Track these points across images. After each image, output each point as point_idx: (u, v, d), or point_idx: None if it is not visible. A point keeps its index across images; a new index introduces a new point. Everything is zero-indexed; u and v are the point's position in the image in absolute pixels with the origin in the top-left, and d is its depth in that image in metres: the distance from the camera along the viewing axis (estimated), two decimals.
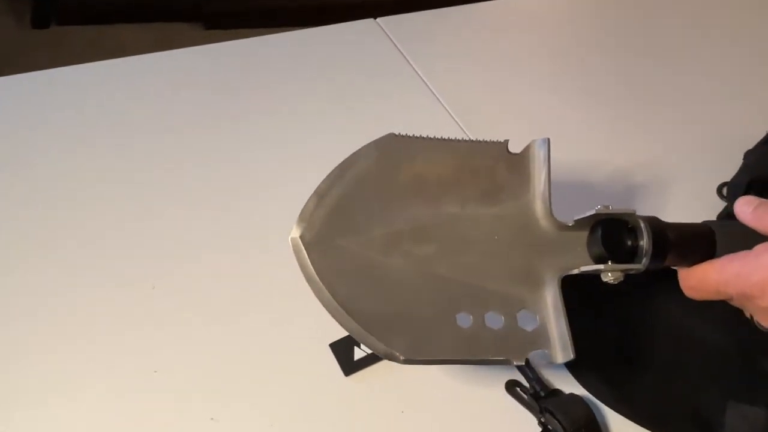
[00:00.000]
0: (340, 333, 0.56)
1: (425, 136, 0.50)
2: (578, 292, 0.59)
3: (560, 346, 0.48)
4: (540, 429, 0.52)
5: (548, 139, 0.50)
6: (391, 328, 0.46)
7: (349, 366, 0.55)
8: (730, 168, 0.72)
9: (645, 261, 0.46)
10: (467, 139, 0.51)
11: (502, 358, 0.47)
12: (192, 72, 0.81)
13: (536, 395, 0.54)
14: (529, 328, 0.48)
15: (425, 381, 0.55)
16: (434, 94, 0.81)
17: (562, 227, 0.49)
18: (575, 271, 0.48)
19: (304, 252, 0.48)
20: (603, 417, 0.54)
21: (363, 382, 0.55)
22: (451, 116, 0.78)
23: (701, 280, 0.47)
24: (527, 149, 0.51)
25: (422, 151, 0.50)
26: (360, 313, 0.47)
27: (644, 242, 0.46)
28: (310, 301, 0.58)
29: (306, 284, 0.48)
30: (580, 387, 0.55)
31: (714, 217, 0.69)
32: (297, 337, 0.57)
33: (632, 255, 0.47)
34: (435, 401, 0.54)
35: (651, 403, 0.54)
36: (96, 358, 0.54)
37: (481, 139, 0.51)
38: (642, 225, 0.46)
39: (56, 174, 0.68)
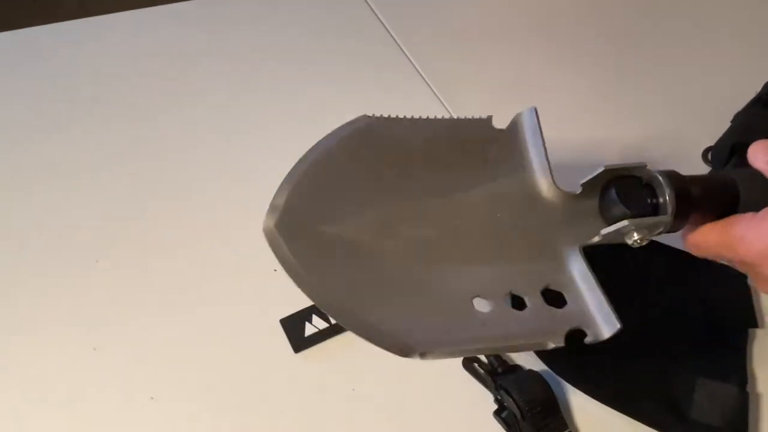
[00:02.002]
0: (291, 308, 0.54)
1: (402, 116, 0.45)
2: None
3: (602, 318, 0.42)
4: (496, 407, 0.50)
5: (534, 108, 0.45)
6: (400, 321, 0.40)
7: (300, 342, 0.53)
8: (719, 133, 0.69)
9: (670, 211, 0.40)
10: (447, 117, 0.47)
11: (535, 342, 0.41)
12: (156, 38, 0.78)
13: (493, 371, 0.51)
14: (558, 305, 0.43)
15: (378, 357, 0.51)
16: (414, 65, 0.77)
17: (569, 196, 0.44)
18: (596, 239, 0.42)
19: (283, 244, 0.40)
20: (564, 395, 0.51)
21: (313, 358, 0.53)
22: (432, 89, 0.75)
23: (703, 239, 0.42)
24: (514, 123, 0.46)
25: (402, 131, 0.44)
26: (362, 308, 0.40)
27: (667, 195, 0.40)
28: (260, 275, 0.57)
29: (281, 270, 0.41)
30: (542, 364, 0.53)
31: None
32: (245, 313, 0.54)
33: (654, 212, 0.41)
34: (387, 378, 0.52)
35: (616, 382, 0.51)
36: (34, 333, 0.52)
37: (463, 117, 0.46)
38: (660, 178, 0.41)
39: None
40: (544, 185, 0.45)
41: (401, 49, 0.79)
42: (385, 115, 0.45)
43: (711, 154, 0.67)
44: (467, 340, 0.40)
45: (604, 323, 0.42)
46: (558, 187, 0.45)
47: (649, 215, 0.40)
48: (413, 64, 0.77)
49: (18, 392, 0.50)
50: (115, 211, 0.61)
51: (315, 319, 0.54)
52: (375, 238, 0.42)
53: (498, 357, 0.52)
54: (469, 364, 0.52)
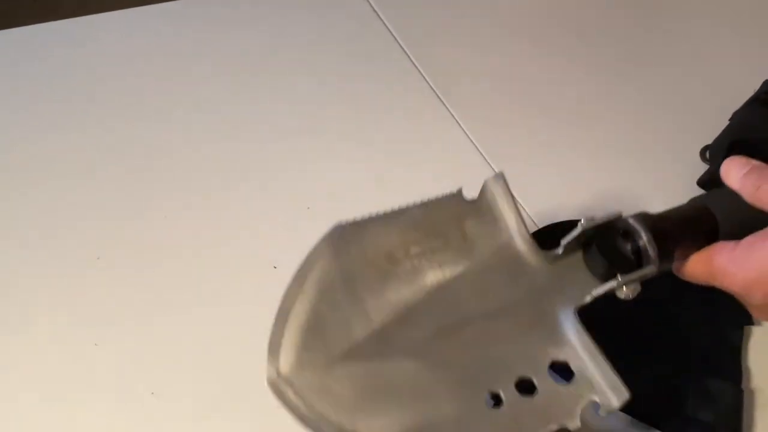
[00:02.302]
0: None
1: (372, 214, 0.43)
2: None
3: (609, 387, 0.40)
4: None
5: (501, 174, 0.44)
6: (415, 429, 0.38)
7: None
8: (717, 131, 0.69)
9: (653, 257, 0.40)
10: (417, 202, 0.44)
11: (555, 427, 0.39)
12: (155, 36, 0.79)
13: None
14: (566, 380, 0.41)
15: None
16: (411, 59, 0.78)
17: (554, 258, 0.43)
18: (588, 299, 0.41)
19: (288, 391, 0.38)
20: None
21: None
22: (431, 88, 0.75)
23: (691, 272, 0.42)
24: (483, 191, 0.44)
25: (377, 230, 0.42)
26: (371, 423, 0.38)
27: (644, 239, 0.40)
28: (259, 272, 0.57)
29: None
30: None
31: (694, 181, 0.66)
32: (245, 310, 0.54)
33: (638, 260, 0.41)
34: None
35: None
36: (35, 330, 0.53)
37: (432, 198, 0.44)
38: (634, 224, 0.40)
39: None
40: (526, 251, 0.43)
41: (399, 43, 0.79)
42: (357, 219, 0.43)
43: (709, 153, 0.68)
44: None
45: (613, 392, 0.40)
46: (541, 250, 0.43)
47: (635, 265, 0.40)
48: (410, 58, 0.78)
49: (19, 388, 0.50)
50: (115, 209, 0.61)
51: None
52: (377, 354, 0.40)
53: None
54: None
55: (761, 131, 0.65)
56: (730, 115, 0.69)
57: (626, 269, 0.40)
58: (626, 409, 0.50)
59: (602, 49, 0.82)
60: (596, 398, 0.40)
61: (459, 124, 0.71)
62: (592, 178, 0.68)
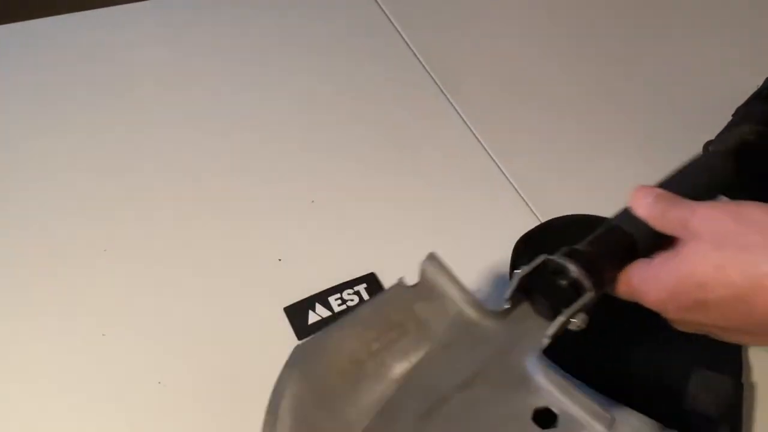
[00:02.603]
0: (295, 297, 0.56)
1: (327, 327, 0.45)
2: (549, 247, 0.58)
3: (592, 416, 0.41)
4: None
5: (432, 254, 0.46)
6: None
7: (304, 330, 0.54)
8: (720, 126, 0.69)
9: (587, 286, 0.42)
10: (366, 300, 0.47)
11: None
12: (162, 28, 0.79)
13: None
14: (555, 425, 0.42)
15: None
16: (418, 58, 0.78)
17: (504, 314, 0.45)
18: (546, 341, 0.42)
19: None
20: None
21: None
22: (437, 84, 0.76)
23: (618, 290, 0.43)
24: (422, 273, 0.46)
25: (335, 340, 0.44)
26: None
27: (575, 272, 0.42)
28: (265, 264, 0.58)
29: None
30: None
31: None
32: (250, 301, 0.56)
33: (576, 291, 0.42)
34: None
35: (613, 371, 0.52)
36: (44, 320, 0.54)
37: (378, 294, 0.47)
38: (562, 261, 0.42)
39: (3, 128, 0.67)
40: (477, 317, 0.45)
41: (405, 40, 0.80)
42: (313, 336, 0.45)
43: (712, 147, 0.68)
44: None
45: (596, 419, 0.41)
46: (489, 311, 0.45)
47: (574, 297, 0.42)
48: (416, 55, 0.78)
49: (27, 378, 0.51)
50: (122, 202, 0.62)
51: (318, 307, 0.56)
52: None
53: None
54: None
55: (765, 126, 0.65)
56: (733, 111, 0.69)
57: (568, 303, 0.41)
58: (626, 400, 0.51)
59: (607, 45, 0.82)
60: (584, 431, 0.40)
61: (464, 120, 0.72)
62: (596, 173, 0.68)
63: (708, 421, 0.49)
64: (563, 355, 0.51)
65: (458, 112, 0.72)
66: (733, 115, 0.68)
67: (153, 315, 0.55)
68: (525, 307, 0.44)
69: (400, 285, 0.46)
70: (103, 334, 0.53)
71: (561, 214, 0.61)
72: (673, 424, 0.50)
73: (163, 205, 0.62)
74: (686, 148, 0.70)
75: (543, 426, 0.41)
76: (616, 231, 0.45)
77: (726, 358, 0.51)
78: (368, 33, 0.81)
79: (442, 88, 0.74)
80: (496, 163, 0.68)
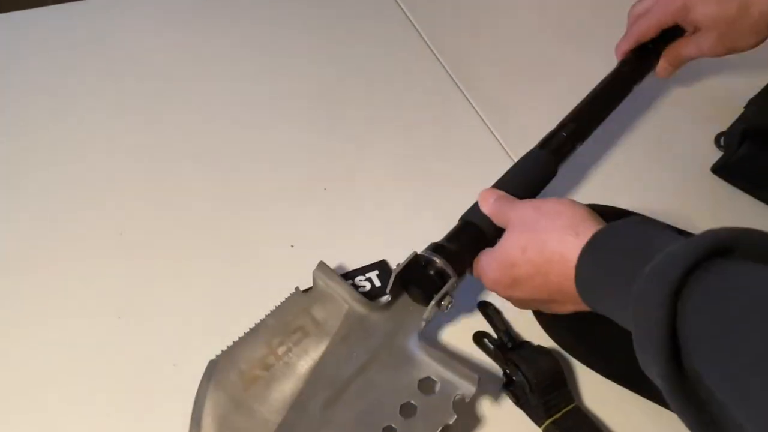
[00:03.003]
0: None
1: (235, 339, 0.50)
2: None
3: (463, 378, 0.48)
4: (504, 381, 0.51)
5: (322, 261, 0.53)
6: None
7: None
8: (732, 118, 0.69)
9: (451, 273, 0.50)
10: (268, 312, 0.52)
11: (441, 427, 0.46)
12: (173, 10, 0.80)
13: (503, 346, 0.53)
14: (435, 390, 0.49)
15: None
16: (432, 50, 0.78)
17: (387, 306, 0.53)
18: (423, 323, 0.51)
19: None
20: (572, 371, 0.53)
21: None
22: (450, 75, 0.76)
23: (474, 273, 0.52)
24: (314, 280, 0.53)
25: (245, 350, 0.50)
26: None
27: (439, 263, 0.50)
28: (277, 251, 0.58)
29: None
30: (551, 342, 0.54)
31: (709, 167, 0.67)
32: (263, 287, 0.56)
33: (441, 279, 0.50)
34: None
35: (622, 360, 0.52)
36: (61, 303, 0.55)
37: (278, 304, 0.52)
38: (429, 255, 0.51)
39: (22, 115, 0.68)
40: (365, 311, 0.52)
41: (418, 31, 0.80)
42: (224, 349, 0.50)
43: (723, 139, 0.68)
44: None
45: (467, 380, 0.48)
46: (375, 304, 0.53)
47: (439, 284, 0.50)
48: (429, 47, 0.78)
49: (44, 360, 0.51)
50: (138, 187, 0.63)
51: None
52: None
53: (507, 332, 0.54)
54: (479, 339, 0.54)
55: None
56: (745, 103, 0.70)
57: (437, 289, 0.50)
58: (632, 384, 0.52)
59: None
60: (459, 391, 0.47)
61: (476, 111, 0.72)
62: (608, 164, 0.69)
63: None
64: (583, 336, 0.53)
65: (468, 100, 0.73)
66: (744, 107, 0.69)
67: (167, 299, 0.55)
68: (404, 298, 0.53)
69: (297, 293, 0.53)
70: (119, 317, 0.54)
71: None
72: None
73: (179, 191, 0.63)
74: (697, 140, 0.71)
75: (426, 393, 0.48)
76: (469, 226, 0.54)
77: None
78: (378, 19, 0.81)
79: (455, 78, 0.75)
80: (507, 153, 0.68)
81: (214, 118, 0.69)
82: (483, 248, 0.52)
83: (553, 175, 0.60)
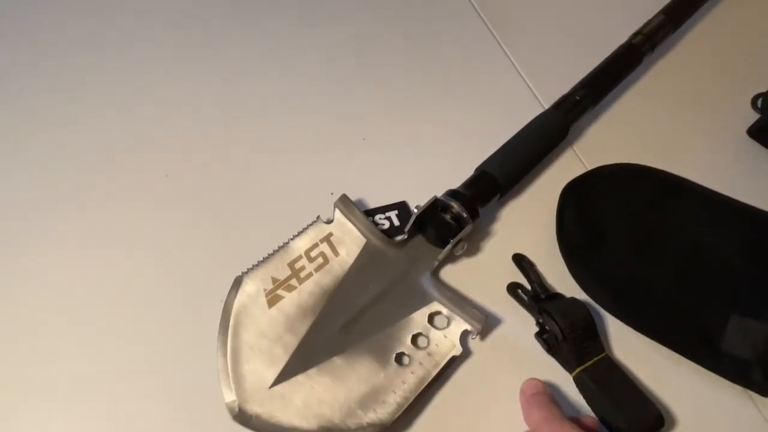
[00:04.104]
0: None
1: (265, 256, 0.54)
2: (595, 193, 0.59)
3: (472, 318, 0.53)
4: (537, 329, 0.53)
5: (344, 195, 0.57)
6: (366, 406, 0.49)
7: None
8: None
9: (467, 218, 0.55)
10: (292, 237, 0.55)
11: (449, 358, 0.51)
12: None
13: (536, 297, 0.54)
14: (445, 325, 0.53)
15: None
16: (472, 3, 0.78)
17: (402, 243, 0.56)
18: (436, 263, 0.55)
19: (250, 418, 0.48)
20: (602, 322, 0.55)
21: None
22: (490, 30, 0.75)
23: None
24: (335, 213, 0.57)
25: (270, 270, 0.53)
26: (333, 417, 0.49)
27: (457, 208, 0.55)
28: (315, 200, 0.59)
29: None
30: (584, 294, 0.56)
31: (745, 129, 0.67)
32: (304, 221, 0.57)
33: (458, 224, 0.55)
34: None
35: (655, 313, 0.54)
36: (110, 243, 0.57)
37: (301, 230, 0.56)
38: (447, 200, 0.56)
39: (69, 61, 0.69)
40: (382, 246, 0.56)
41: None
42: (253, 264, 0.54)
43: (761, 101, 0.68)
44: (411, 389, 0.50)
45: (475, 320, 0.53)
46: (392, 241, 0.57)
47: (457, 229, 0.55)
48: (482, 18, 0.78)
49: (91, 299, 0.54)
50: (184, 129, 0.64)
51: None
52: (302, 365, 0.50)
53: (541, 284, 0.55)
54: (513, 290, 0.56)
55: None
56: None
57: (453, 234, 0.55)
58: (662, 337, 0.53)
59: None
60: (467, 327, 0.52)
61: (514, 65, 0.72)
62: (640, 123, 0.69)
63: (742, 364, 0.51)
64: (615, 289, 0.55)
65: (507, 55, 0.73)
66: None
67: (212, 238, 0.57)
68: (419, 239, 0.57)
69: (318, 222, 0.57)
70: (167, 255, 0.56)
71: (607, 163, 0.62)
72: (710, 364, 0.52)
73: (224, 137, 0.64)
74: (734, 102, 0.70)
75: (437, 327, 0.53)
76: (484, 175, 0.58)
77: (766, 304, 0.52)
78: None
79: (490, 27, 0.74)
80: (541, 104, 0.68)
81: (266, 70, 0.70)
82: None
83: (565, 135, 0.64)
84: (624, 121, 0.69)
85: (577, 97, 0.64)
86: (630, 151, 0.64)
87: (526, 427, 0.48)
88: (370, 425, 0.48)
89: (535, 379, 0.50)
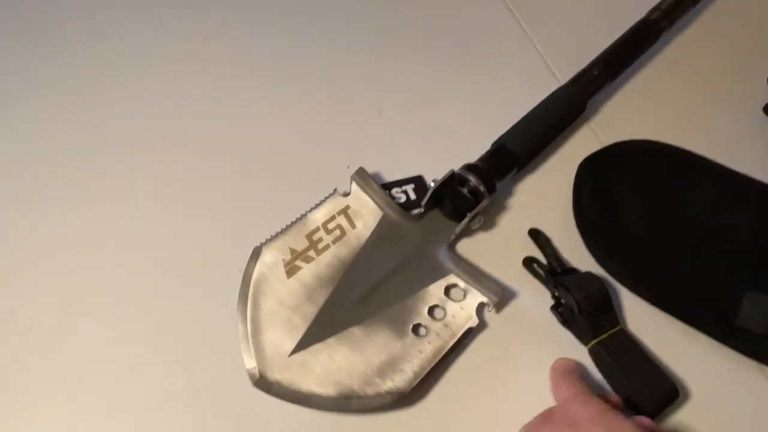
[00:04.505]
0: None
1: (283, 227, 0.55)
2: (612, 169, 0.60)
3: (488, 290, 0.53)
4: (553, 302, 0.54)
5: (362, 168, 0.57)
6: (384, 374, 0.50)
7: None
8: None
9: (483, 191, 0.55)
10: (309, 209, 0.56)
11: (465, 330, 0.52)
12: None
13: (552, 271, 0.55)
14: (462, 297, 0.54)
15: None
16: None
17: (419, 216, 0.57)
18: (453, 237, 0.56)
19: (271, 384, 0.49)
20: (617, 296, 0.55)
21: None
22: (509, 8, 0.75)
23: None
24: (353, 184, 0.57)
25: (289, 241, 0.54)
26: (352, 384, 0.49)
27: (474, 181, 0.55)
28: (331, 174, 0.60)
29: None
30: (599, 268, 0.56)
31: (761, 107, 0.67)
32: (316, 200, 0.58)
33: (475, 197, 0.55)
34: None
35: (671, 287, 0.54)
36: (131, 215, 0.58)
37: (319, 202, 0.56)
38: (464, 173, 0.56)
39: (88, 33, 0.69)
40: (398, 219, 0.56)
41: None
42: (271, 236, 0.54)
43: None
44: (428, 358, 0.51)
45: (491, 293, 0.53)
46: (408, 215, 0.56)
47: (474, 203, 0.55)
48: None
49: (116, 272, 0.55)
50: (202, 99, 0.65)
51: None
52: (321, 334, 0.51)
53: (557, 258, 0.55)
54: (529, 264, 0.56)
55: None
56: None
57: (470, 207, 0.55)
58: (676, 311, 0.54)
59: None
60: (483, 299, 0.53)
61: (533, 43, 0.72)
62: (660, 100, 0.68)
63: (755, 339, 0.51)
64: (631, 263, 0.55)
65: (525, 30, 0.72)
66: None
67: (229, 211, 0.58)
68: (435, 212, 0.57)
69: (335, 195, 0.57)
70: (185, 227, 0.57)
71: (623, 139, 0.62)
72: (724, 338, 0.53)
73: (243, 106, 0.65)
74: (748, 79, 0.70)
75: (453, 299, 0.53)
76: (502, 149, 0.58)
77: None
78: None
79: (511, 7, 0.74)
80: (558, 79, 0.68)
81: (281, 39, 0.70)
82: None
83: (582, 110, 0.63)
84: (641, 98, 0.68)
85: (595, 72, 0.63)
86: (646, 128, 0.64)
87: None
88: (388, 393, 0.49)
89: (566, 358, 0.51)
